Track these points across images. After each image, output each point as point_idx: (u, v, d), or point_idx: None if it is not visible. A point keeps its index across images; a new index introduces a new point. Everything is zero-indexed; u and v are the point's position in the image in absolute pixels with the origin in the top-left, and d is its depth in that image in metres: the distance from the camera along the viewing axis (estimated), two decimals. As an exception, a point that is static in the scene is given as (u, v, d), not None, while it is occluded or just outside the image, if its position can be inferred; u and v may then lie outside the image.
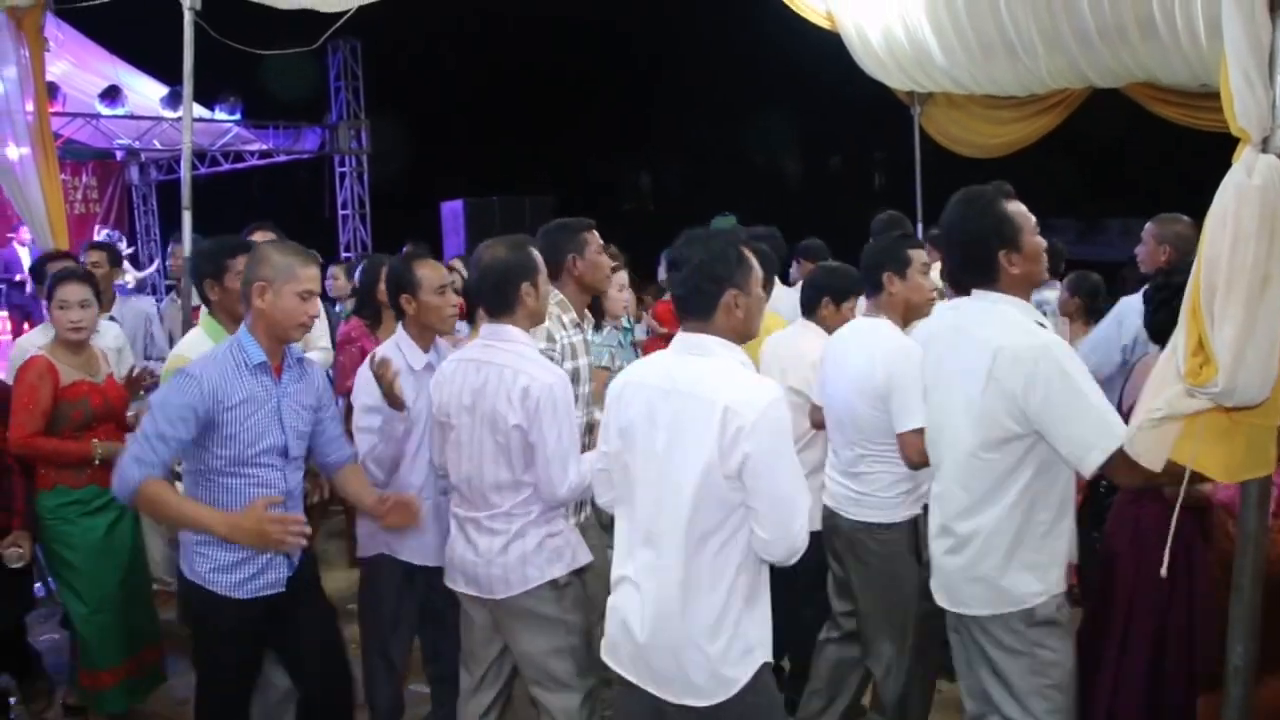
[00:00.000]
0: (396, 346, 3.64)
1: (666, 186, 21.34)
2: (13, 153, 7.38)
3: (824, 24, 8.90)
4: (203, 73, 6.28)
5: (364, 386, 3.49)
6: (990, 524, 2.74)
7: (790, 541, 2.43)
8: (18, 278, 10.97)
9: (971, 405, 2.71)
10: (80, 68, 12.41)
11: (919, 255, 3.66)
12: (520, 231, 11.79)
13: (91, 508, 4.06)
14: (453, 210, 13.29)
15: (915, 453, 3.21)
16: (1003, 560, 2.73)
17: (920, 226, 9.65)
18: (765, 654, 2.54)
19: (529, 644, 3.26)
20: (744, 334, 2.57)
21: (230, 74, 11.79)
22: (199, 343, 3.60)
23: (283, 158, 15.08)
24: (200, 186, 6.29)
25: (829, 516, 3.77)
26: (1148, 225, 4.96)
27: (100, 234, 12.92)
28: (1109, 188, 13.83)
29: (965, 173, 10.17)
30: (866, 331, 3.64)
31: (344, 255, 14.67)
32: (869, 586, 3.66)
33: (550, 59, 18.16)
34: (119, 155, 14.91)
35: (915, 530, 3.62)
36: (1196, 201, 2.44)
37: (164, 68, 12.40)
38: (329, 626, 3.46)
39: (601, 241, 3.92)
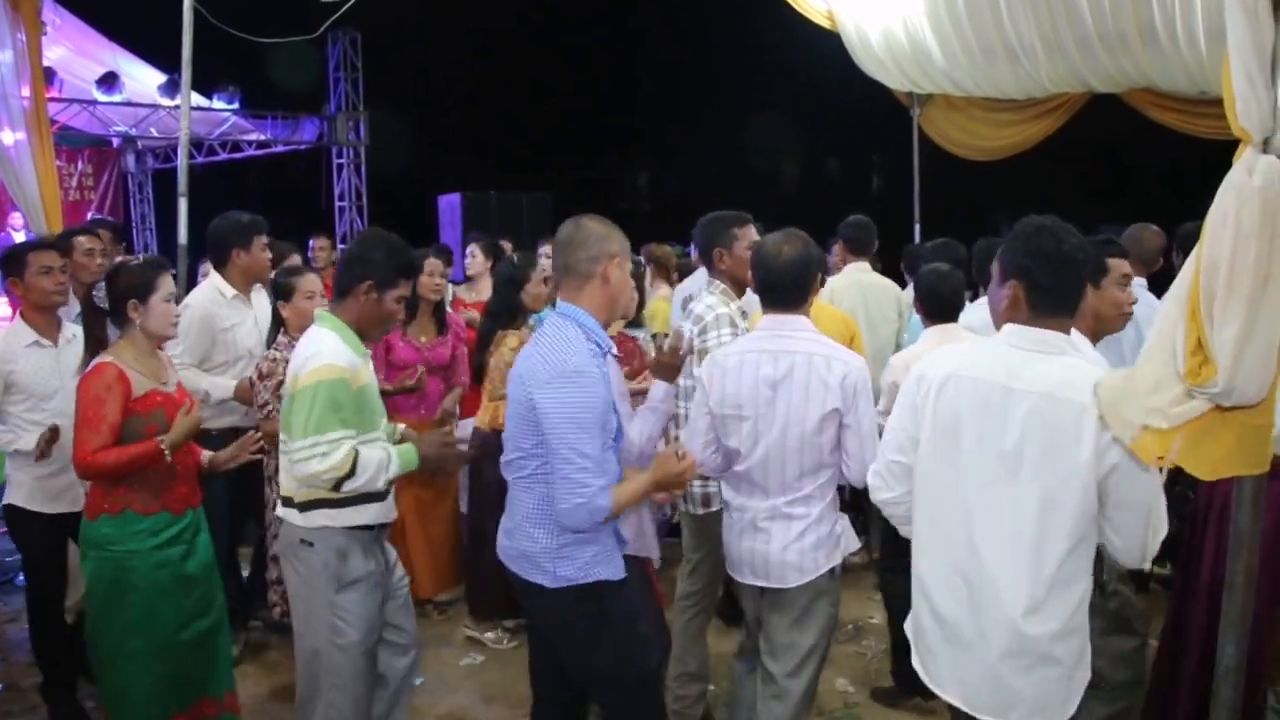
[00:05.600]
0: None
1: (664, 186, 21.31)
2: (8, 137, 7.34)
3: (824, 23, 8.91)
4: (201, 61, 6.27)
5: None
6: None
7: (1145, 549, 2.35)
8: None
9: None
10: (78, 53, 12.36)
11: (1119, 265, 3.40)
12: (516, 226, 11.82)
13: (163, 539, 3.49)
14: (450, 203, 13.25)
15: None
16: None
17: (918, 229, 9.66)
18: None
19: (795, 635, 3.33)
20: (1094, 329, 2.49)
21: (229, 64, 11.77)
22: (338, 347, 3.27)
23: (280, 148, 15.03)
24: (197, 175, 6.28)
25: None
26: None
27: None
28: (1107, 192, 13.83)
29: (964, 176, 10.25)
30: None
31: (340, 246, 14.62)
32: None
33: (550, 55, 18.11)
34: (115, 142, 14.85)
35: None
36: (1193, 207, 2.43)
37: (163, 55, 12.36)
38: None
39: (756, 238, 3.94)
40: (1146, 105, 8.05)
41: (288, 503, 3.33)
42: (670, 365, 3.40)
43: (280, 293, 4.44)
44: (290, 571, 3.37)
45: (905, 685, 4.39)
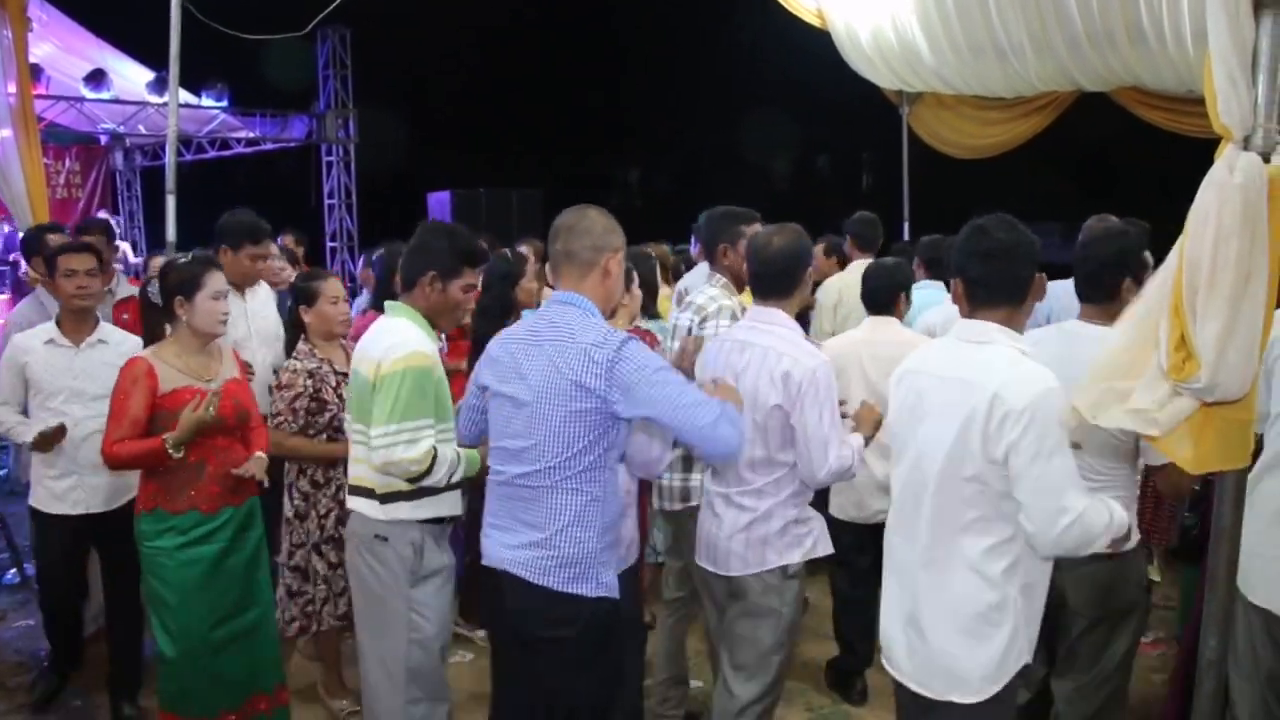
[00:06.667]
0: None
1: (654, 183, 21.33)
2: (-6, 134, 7.34)
3: (814, 21, 8.92)
4: (190, 59, 6.24)
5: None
6: None
7: (1052, 534, 2.41)
8: (11, 258, 10.85)
9: None
10: (65, 50, 12.32)
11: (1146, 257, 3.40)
12: (506, 224, 11.73)
13: (191, 537, 3.47)
14: (439, 201, 13.23)
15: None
16: None
17: (907, 226, 9.68)
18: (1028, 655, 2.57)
19: (740, 626, 3.32)
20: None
21: (218, 61, 11.75)
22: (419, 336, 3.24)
23: (269, 145, 14.98)
24: (186, 173, 6.27)
25: None
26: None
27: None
28: (1094, 191, 13.89)
29: (953, 174, 10.27)
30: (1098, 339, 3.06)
31: (329, 245, 14.61)
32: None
33: (540, 52, 18.13)
34: (103, 140, 14.79)
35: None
36: (1179, 205, 2.45)
37: (150, 53, 12.33)
38: None
39: None
40: (1134, 104, 8.09)
41: (361, 492, 3.27)
42: (687, 371, 3.41)
43: (302, 297, 4.22)
44: (363, 567, 3.28)
45: (837, 678, 4.49)
